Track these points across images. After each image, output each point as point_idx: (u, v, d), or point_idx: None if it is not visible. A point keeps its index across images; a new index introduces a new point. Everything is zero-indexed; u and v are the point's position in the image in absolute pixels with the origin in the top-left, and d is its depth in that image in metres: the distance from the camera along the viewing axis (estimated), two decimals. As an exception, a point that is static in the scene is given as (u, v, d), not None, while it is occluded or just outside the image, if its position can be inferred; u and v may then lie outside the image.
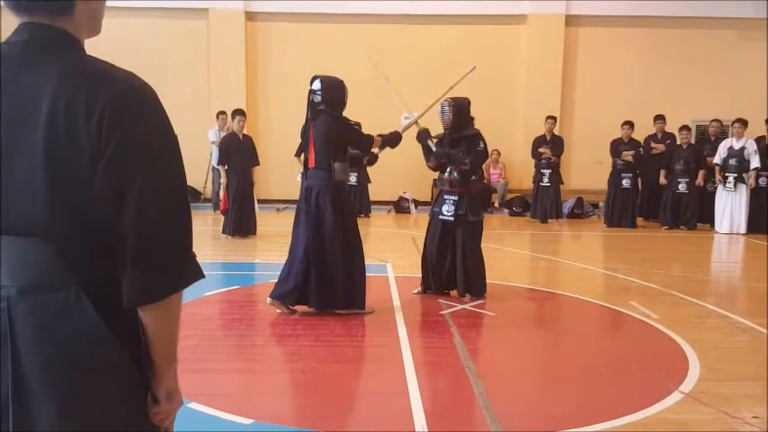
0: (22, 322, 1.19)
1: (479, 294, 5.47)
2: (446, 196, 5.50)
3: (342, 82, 4.93)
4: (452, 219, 5.41)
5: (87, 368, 1.21)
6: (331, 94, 4.84)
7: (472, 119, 5.55)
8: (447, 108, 5.44)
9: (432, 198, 13.24)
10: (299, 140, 5.40)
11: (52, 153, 1.15)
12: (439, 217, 5.51)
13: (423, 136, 5.56)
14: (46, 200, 1.17)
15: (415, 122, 5.55)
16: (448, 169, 5.50)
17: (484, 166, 11.04)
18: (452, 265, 5.49)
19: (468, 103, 5.54)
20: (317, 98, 4.85)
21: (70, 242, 1.19)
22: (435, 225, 5.55)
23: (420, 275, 5.69)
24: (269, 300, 4.97)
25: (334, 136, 4.84)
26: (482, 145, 5.42)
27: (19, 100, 1.18)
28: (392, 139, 5.21)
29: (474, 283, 5.46)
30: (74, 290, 1.20)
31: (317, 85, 4.86)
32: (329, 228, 4.78)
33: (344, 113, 4.98)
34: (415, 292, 5.65)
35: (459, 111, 5.44)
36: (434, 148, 5.52)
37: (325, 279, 4.80)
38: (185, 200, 1.28)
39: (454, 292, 5.59)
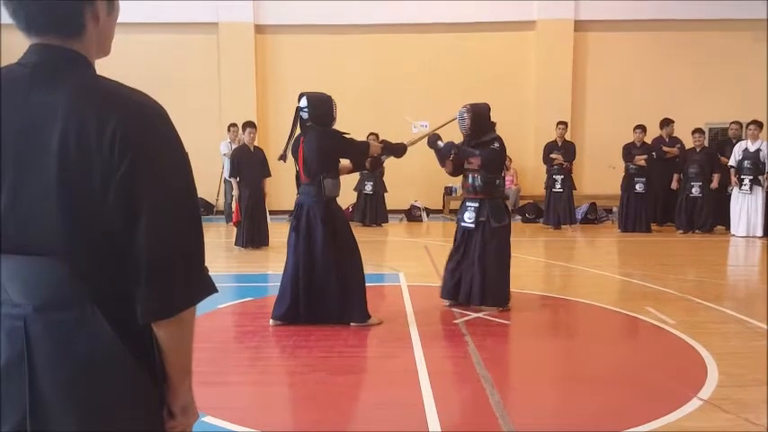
0: (39, 340, 1.20)
1: (497, 304, 5.32)
2: (468, 203, 5.45)
3: (329, 98, 4.89)
4: (473, 225, 5.35)
5: (104, 384, 1.22)
6: (318, 111, 4.81)
7: (493, 124, 5.45)
8: (465, 114, 5.36)
9: (443, 206, 13.24)
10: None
11: (65, 173, 1.17)
12: (461, 224, 5.47)
13: (432, 139, 5.48)
14: (60, 219, 1.18)
15: (422, 138, 5.53)
16: (470, 176, 5.42)
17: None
18: (464, 277, 5.39)
19: (488, 108, 5.44)
20: (305, 115, 4.84)
21: (84, 260, 1.21)
22: (460, 233, 5.49)
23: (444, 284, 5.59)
24: (271, 321, 4.96)
25: (326, 149, 4.81)
26: (497, 145, 5.31)
27: (31, 121, 1.19)
28: (397, 149, 5.16)
29: (490, 293, 5.31)
30: (89, 307, 1.21)
31: (303, 102, 4.85)
32: (320, 244, 4.76)
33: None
34: (447, 304, 5.52)
35: (478, 116, 5.34)
36: (442, 144, 5.42)
37: (316, 296, 4.78)
38: (197, 216, 1.30)
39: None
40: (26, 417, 1.20)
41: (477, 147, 5.34)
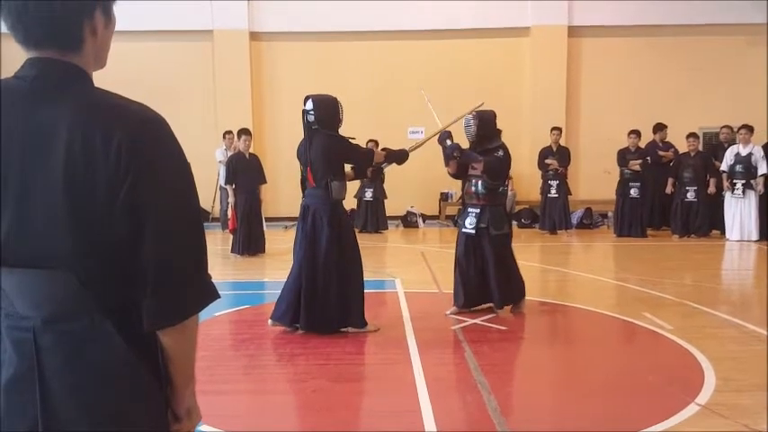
0: (49, 351, 1.22)
1: (516, 301, 5.48)
2: (470, 209, 5.44)
3: (335, 99, 4.89)
4: (473, 232, 5.36)
5: (114, 390, 1.25)
6: (324, 113, 4.81)
7: (499, 131, 5.45)
8: (472, 121, 5.35)
9: (439, 212, 13.24)
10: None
11: (71, 186, 1.18)
12: (462, 230, 5.47)
13: (443, 136, 5.41)
14: (67, 231, 1.20)
15: (422, 144, 5.50)
16: (473, 181, 5.41)
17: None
18: (483, 279, 5.40)
19: (494, 116, 5.44)
20: (311, 118, 4.84)
21: (91, 271, 1.23)
22: (461, 239, 5.48)
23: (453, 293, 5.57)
24: (270, 322, 4.98)
25: (332, 154, 4.81)
26: (501, 153, 5.32)
27: (33, 135, 1.21)
28: (399, 156, 5.16)
29: (507, 294, 5.42)
30: (97, 317, 1.23)
31: (309, 105, 4.85)
32: (324, 247, 4.75)
33: (344, 129, 4.93)
34: (449, 312, 5.48)
35: (484, 124, 5.34)
36: (450, 143, 5.35)
37: (316, 300, 4.76)
38: (200, 225, 1.33)
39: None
40: (36, 426, 1.22)
41: (482, 154, 5.34)
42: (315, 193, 4.86)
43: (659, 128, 11.42)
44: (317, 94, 4.93)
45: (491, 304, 5.49)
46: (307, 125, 4.88)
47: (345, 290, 4.81)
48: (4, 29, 1.26)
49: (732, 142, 10.78)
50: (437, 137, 5.44)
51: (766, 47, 12.39)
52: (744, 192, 10.16)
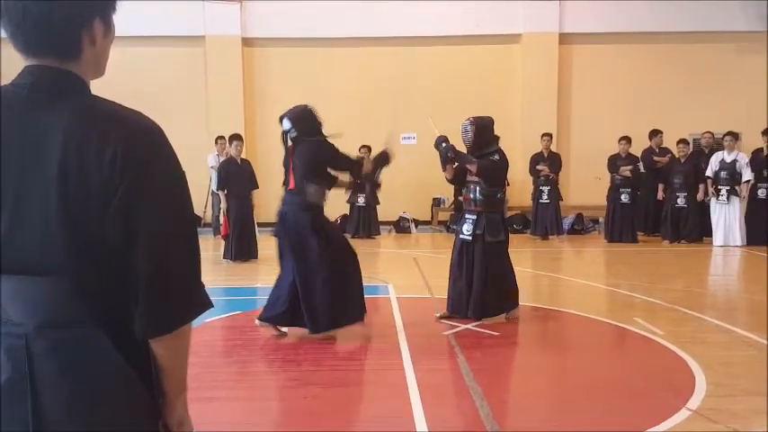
0: (41, 358, 1.22)
1: (486, 315, 5.33)
2: (467, 215, 5.43)
3: (306, 107, 4.87)
4: (470, 238, 5.34)
5: (108, 400, 1.24)
6: (304, 125, 4.81)
7: (497, 138, 5.44)
8: (469, 127, 5.31)
9: (431, 217, 13.26)
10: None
11: (66, 193, 1.18)
12: (459, 236, 5.45)
13: (438, 140, 5.40)
14: (61, 239, 1.20)
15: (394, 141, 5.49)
16: (471, 188, 5.40)
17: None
18: (470, 293, 5.34)
19: (492, 121, 5.41)
20: (293, 134, 4.82)
21: (85, 278, 1.22)
22: (457, 245, 5.47)
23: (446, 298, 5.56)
24: (257, 322, 4.96)
25: (316, 157, 4.79)
26: (497, 157, 5.30)
27: (31, 142, 1.21)
28: (384, 159, 5.14)
29: (485, 307, 5.32)
30: (90, 324, 1.23)
31: (287, 124, 4.83)
32: (312, 251, 4.71)
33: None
34: (438, 315, 5.49)
35: (482, 130, 5.31)
36: (444, 145, 5.34)
37: (314, 302, 4.73)
38: (194, 233, 1.32)
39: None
40: None
41: (478, 159, 5.31)
42: (291, 199, 4.84)
43: (655, 133, 11.50)
44: (289, 111, 4.90)
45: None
46: (291, 141, 4.85)
47: (343, 288, 4.77)
48: (4, 35, 1.27)
49: (714, 147, 10.88)
50: (434, 142, 5.46)
51: (766, 53, 12.50)
52: (728, 198, 10.26)
